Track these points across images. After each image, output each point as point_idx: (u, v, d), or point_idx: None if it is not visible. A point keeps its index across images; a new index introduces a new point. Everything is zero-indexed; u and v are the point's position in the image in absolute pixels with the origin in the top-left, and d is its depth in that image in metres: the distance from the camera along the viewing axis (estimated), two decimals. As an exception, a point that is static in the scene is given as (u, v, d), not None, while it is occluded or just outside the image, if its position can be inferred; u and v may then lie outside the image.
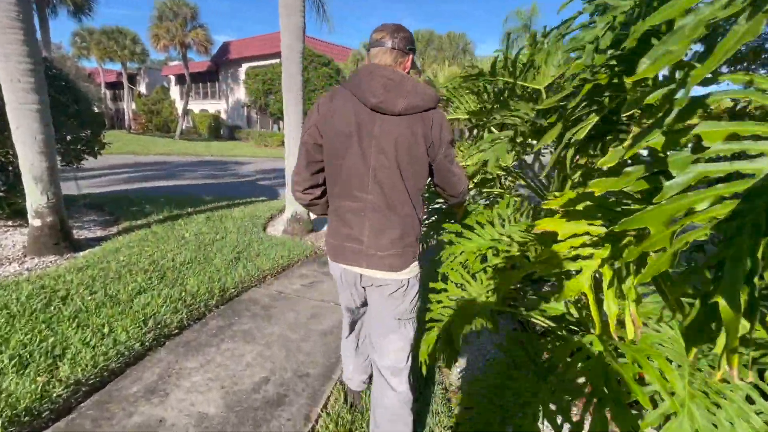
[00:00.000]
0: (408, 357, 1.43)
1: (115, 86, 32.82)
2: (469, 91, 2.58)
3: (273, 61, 20.95)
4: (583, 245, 0.95)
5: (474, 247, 1.99)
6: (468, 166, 1.96)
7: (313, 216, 5.11)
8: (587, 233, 0.95)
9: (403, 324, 1.40)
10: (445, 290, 1.78)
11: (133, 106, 28.27)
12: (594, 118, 1.19)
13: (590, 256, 0.93)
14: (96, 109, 6.94)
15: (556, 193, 1.16)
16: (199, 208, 5.47)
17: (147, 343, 2.26)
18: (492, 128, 2.70)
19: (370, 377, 1.70)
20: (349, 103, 1.23)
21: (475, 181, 2.73)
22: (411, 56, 1.32)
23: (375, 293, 1.39)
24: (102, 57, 24.79)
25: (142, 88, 32.54)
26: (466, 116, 2.59)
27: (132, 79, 31.06)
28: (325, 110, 1.26)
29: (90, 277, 3.00)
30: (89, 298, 2.66)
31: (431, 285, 1.81)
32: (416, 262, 1.38)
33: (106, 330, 2.29)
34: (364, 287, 1.40)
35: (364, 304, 1.52)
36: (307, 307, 2.96)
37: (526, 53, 2.09)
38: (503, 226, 1.94)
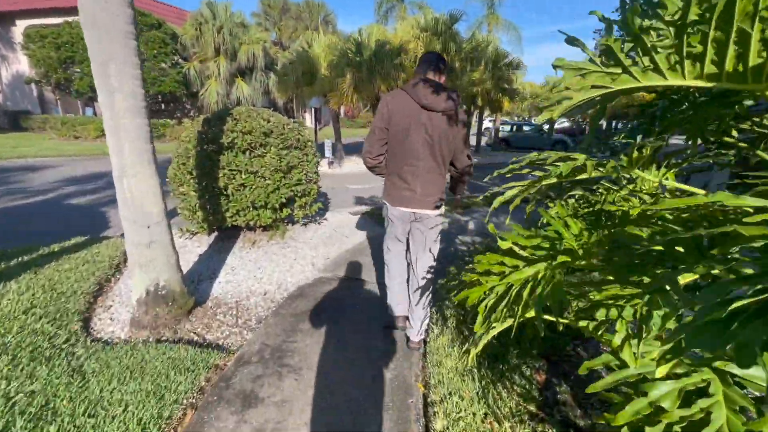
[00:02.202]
0: (435, 257, 2.30)
1: None
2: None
3: (69, 19, 15.04)
4: None
5: None
6: None
7: (184, 269, 2.85)
8: None
9: (435, 241, 2.26)
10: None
11: None
12: None
13: None
14: None
15: None
16: None
17: None
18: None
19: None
20: (407, 101, 2.00)
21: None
22: (446, 74, 2.11)
23: (421, 224, 2.20)
24: None
25: None
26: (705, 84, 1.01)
27: None
28: (392, 105, 2.03)
29: None
30: None
31: None
32: (443, 204, 2.20)
33: None
34: (412, 221, 2.22)
35: (408, 234, 2.29)
36: None
37: None
38: None
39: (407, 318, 2.39)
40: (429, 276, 2.27)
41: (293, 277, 3.36)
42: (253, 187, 3.59)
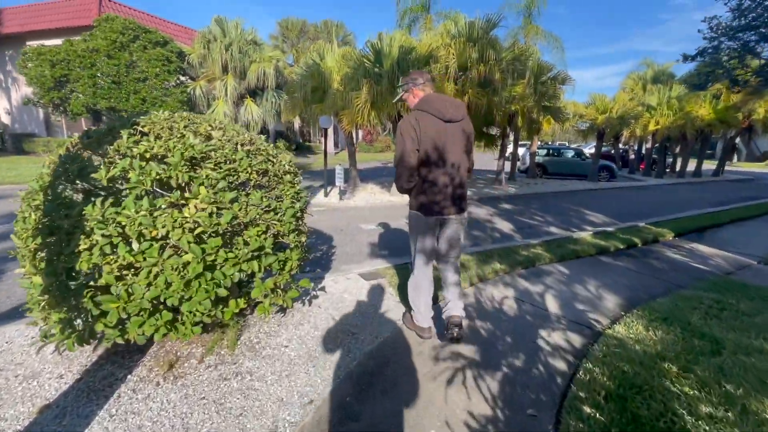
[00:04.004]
0: (460, 255, 2.63)
1: None
2: None
3: (73, 38, 14.21)
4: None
5: None
6: None
7: None
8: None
9: (461, 239, 2.55)
10: None
11: None
12: None
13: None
14: None
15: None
16: None
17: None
18: None
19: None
20: (431, 118, 2.24)
21: None
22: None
23: (452, 225, 2.43)
24: None
25: None
26: None
27: None
28: (420, 125, 2.22)
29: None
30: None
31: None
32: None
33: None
34: (442, 224, 2.43)
35: (436, 241, 2.50)
36: None
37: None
38: None
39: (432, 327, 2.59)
40: (458, 262, 2.64)
41: (217, 492, 1.43)
42: (154, 270, 1.74)
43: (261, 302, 2.29)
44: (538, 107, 10.49)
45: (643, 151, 20.62)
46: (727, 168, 24.62)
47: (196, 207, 1.81)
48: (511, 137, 12.95)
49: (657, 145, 17.19)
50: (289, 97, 10.48)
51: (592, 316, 3.20)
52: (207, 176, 1.90)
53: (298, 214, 2.37)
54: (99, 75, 12.65)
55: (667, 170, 19.36)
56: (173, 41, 14.56)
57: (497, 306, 3.29)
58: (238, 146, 2.14)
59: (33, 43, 16.92)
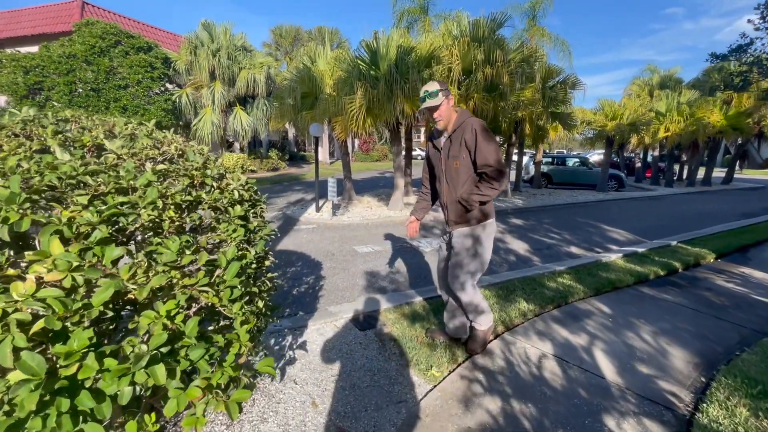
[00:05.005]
0: None
1: None
2: None
3: (52, 44, 13.43)
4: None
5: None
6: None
7: None
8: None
9: None
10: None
11: None
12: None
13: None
14: None
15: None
16: None
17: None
18: None
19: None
20: None
21: None
22: None
23: None
24: None
25: None
26: None
27: None
28: None
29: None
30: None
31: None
32: None
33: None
34: None
35: None
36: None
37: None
38: None
39: None
40: None
41: None
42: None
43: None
44: (546, 113, 9.77)
45: (649, 159, 20.00)
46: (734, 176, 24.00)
47: (37, 280, 0.98)
48: (516, 145, 12.21)
49: (665, 152, 16.51)
50: (278, 103, 9.71)
51: (665, 386, 2.36)
52: (70, 220, 1.07)
53: (252, 267, 1.54)
54: (76, 82, 11.86)
55: (674, 178, 18.69)
56: (158, 47, 13.81)
57: (535, 372, 2.45)
58: (146, 164, 1.32)
59: (10, 50, 16.16)
